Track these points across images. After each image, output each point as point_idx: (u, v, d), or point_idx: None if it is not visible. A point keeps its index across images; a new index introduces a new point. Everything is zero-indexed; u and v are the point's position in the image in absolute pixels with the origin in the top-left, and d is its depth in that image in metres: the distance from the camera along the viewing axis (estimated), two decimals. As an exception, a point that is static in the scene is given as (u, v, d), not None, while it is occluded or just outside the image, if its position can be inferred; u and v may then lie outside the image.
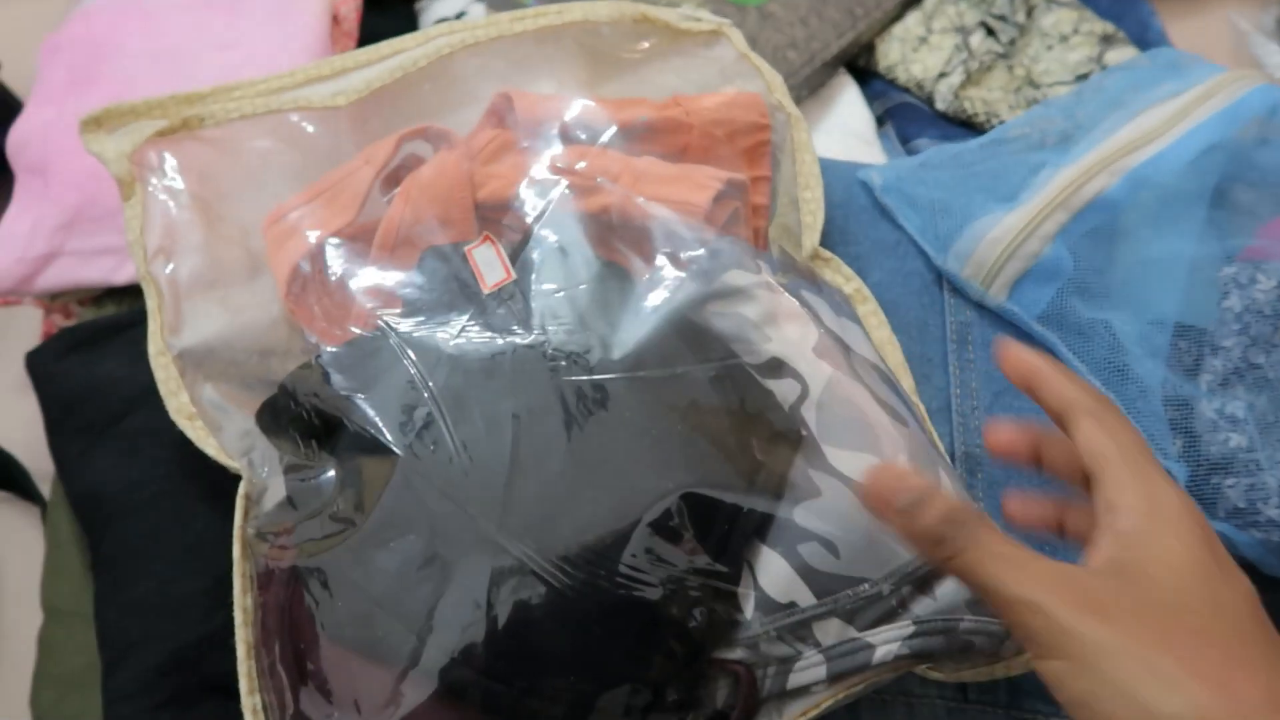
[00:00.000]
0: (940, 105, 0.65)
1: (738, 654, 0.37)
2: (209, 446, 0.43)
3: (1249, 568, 0.44)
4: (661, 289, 0.42)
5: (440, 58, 0.51)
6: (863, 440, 0.38)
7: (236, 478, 0.42)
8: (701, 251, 0.42)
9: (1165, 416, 0.45)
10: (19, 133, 0.61)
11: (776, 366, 0.39)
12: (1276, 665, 0.27)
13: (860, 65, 0.69)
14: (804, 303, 0.42)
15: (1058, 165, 0.49)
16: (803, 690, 0.37)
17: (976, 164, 0.53)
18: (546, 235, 0.43)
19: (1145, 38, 0.69)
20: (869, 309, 0.47)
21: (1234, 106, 0.49)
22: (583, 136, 0.47)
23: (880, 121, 0.67)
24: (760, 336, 0.40)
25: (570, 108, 0.48)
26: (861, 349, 0.43)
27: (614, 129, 0.47)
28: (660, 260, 0.42)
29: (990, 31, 0.67)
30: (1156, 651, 0.26)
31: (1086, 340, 0.47)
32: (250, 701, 0.38)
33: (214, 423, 0.44)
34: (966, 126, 0.65)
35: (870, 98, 0.68)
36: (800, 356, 0.40)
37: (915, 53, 0.67)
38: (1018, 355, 0.34)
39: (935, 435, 0.43)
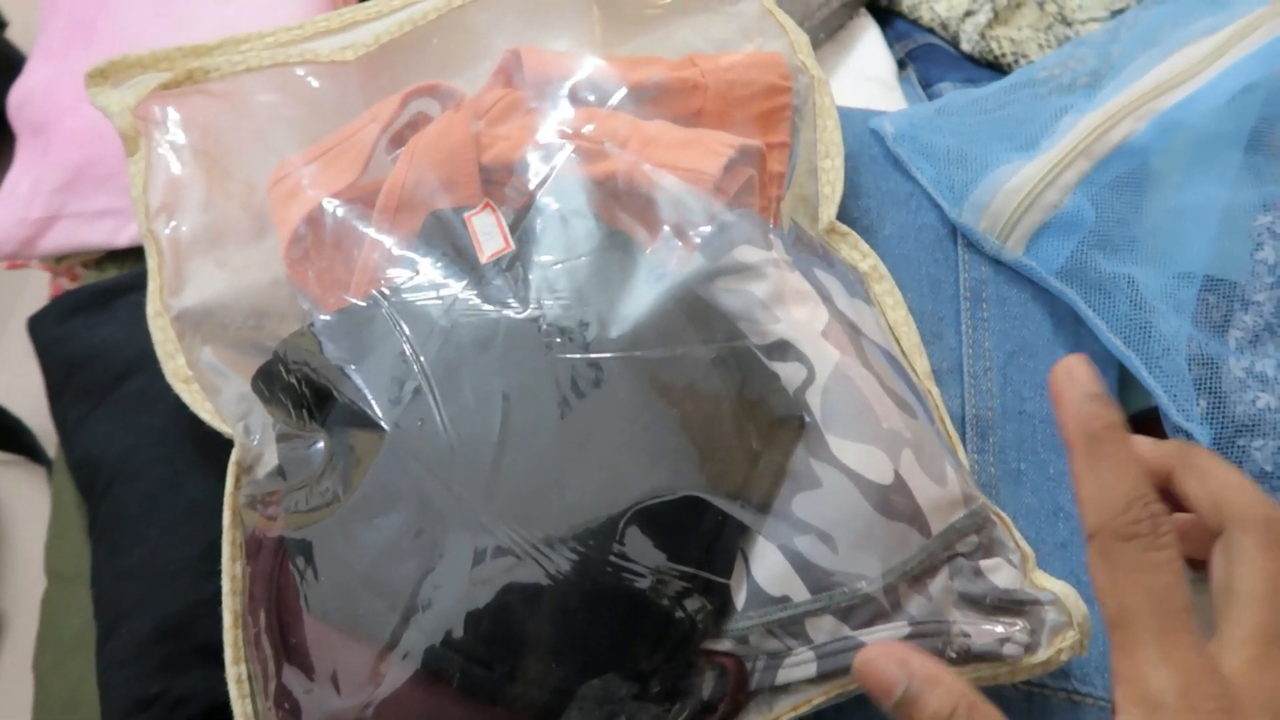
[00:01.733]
0: (966, 46, 0.62)
1: (726, 646, 0.36)
2: (204, 411, 0.42)
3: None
4: (666, 263, 0.40)
5: (451, 10, 0.49)
6: (868, 431, 0.36)
7: (231, 446, 0.42)
8: (710, 225, 0.40)
9: (1190, 376, 0.42)
10: (20, 91, 0.61)
11: (783, 348, 0.38)
12: None
13: (882, 4, 0.66)
14: (815, 282, 0.40)
15: (1082, 110, 0.46)
16: (793, 686, 0.36)
17: (997, 109, 0.50)
18: (549, 203, 0.41)
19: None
20: (884, 288, 0.44)
21: (1275, 43, 0.46)
22: (592, 98, 0.45)
23: (902, 65, 0.64)
24: (768, 316, 0.38)
25: (581, 67, 0.46)
26: (873, 332, 0.41)
27: (624, 90, 0.44)
28: (666, 232, 0.40)
29: None
30: None
31: (1108, 297, 0.44)
32: (235, 671, 0.38)
33: (211, 386, 0.43)
34: (993, 69, 0.62)
35: (891, 40, 0.65)
36: (808, 339, 0.38)
37: None
38: (1152, 448, 0.30)
39: (949, 424, 0.41)
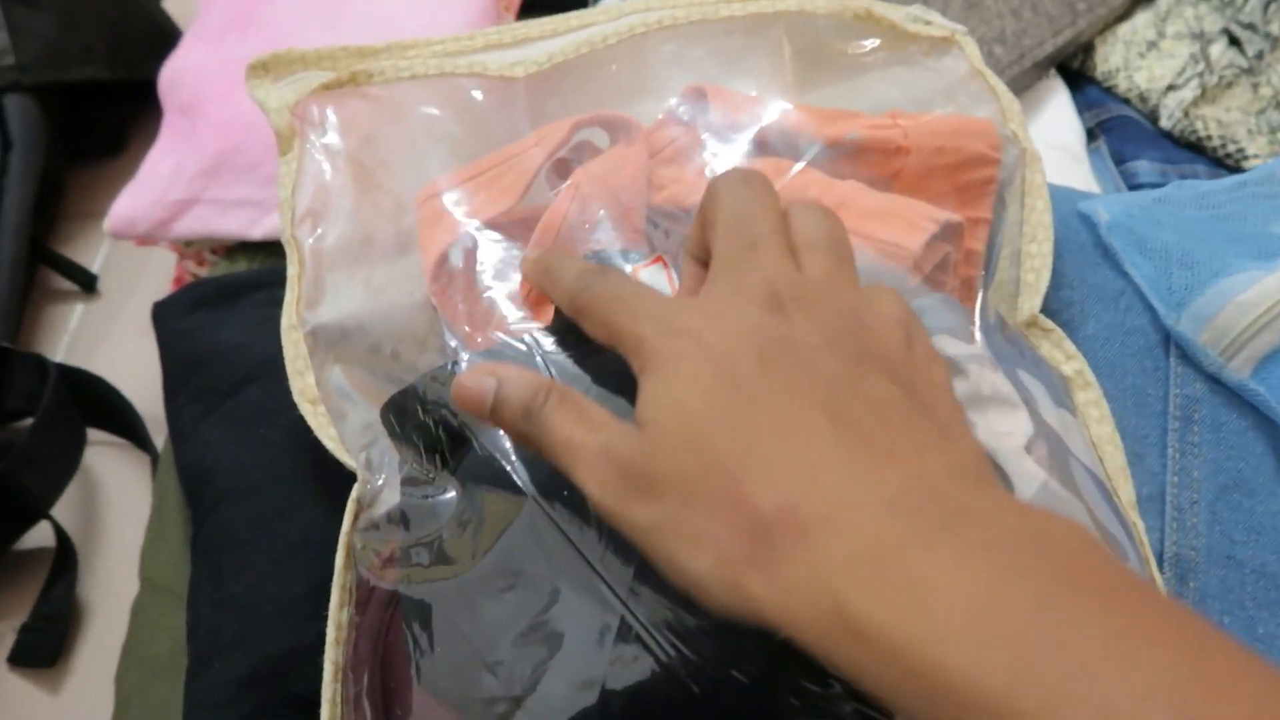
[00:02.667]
0: (1165, 123, 0.57)
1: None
2: (328, 438, 0.39)
3: None
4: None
5: (632, 36, 0.46)
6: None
7: (350, 478, 0.39)
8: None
9: None
10: (172, 69, 0.60)
11: (979, 461, 0.33)
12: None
13: (1075, 68, 0.61)
14: (1020, 387, 0.35)
15: None
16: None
17: (1228, 206, 0.45)
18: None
19: None
20: (1090, 397, 0.39)
21: None
22: (781, 148, 0.41)
23: (1091, 136, 0.60)
24: (964, 422, 0.34)
25: (770, 112, 0.42)
26: (1079, 451, 0.36)
27: (818, 144, 0.40)
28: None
29: (1234, 41, 0.59)
30: (676, 510, 0.25)
31: None
32: (331, 732, 0.35)
33: (338, 410, 0.40)
34: (1195, 150, 0.57)
35: (1082, 107, 0.60)
36: (1010, 453, 0.33)
37: (1142, 59, 0.59)
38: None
39: (1154, 566, 0.36)
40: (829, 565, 0.23)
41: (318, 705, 0.35)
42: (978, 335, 0.35)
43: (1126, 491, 0.38)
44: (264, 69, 0.46)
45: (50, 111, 0.67)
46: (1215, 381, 0.42)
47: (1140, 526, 0.37)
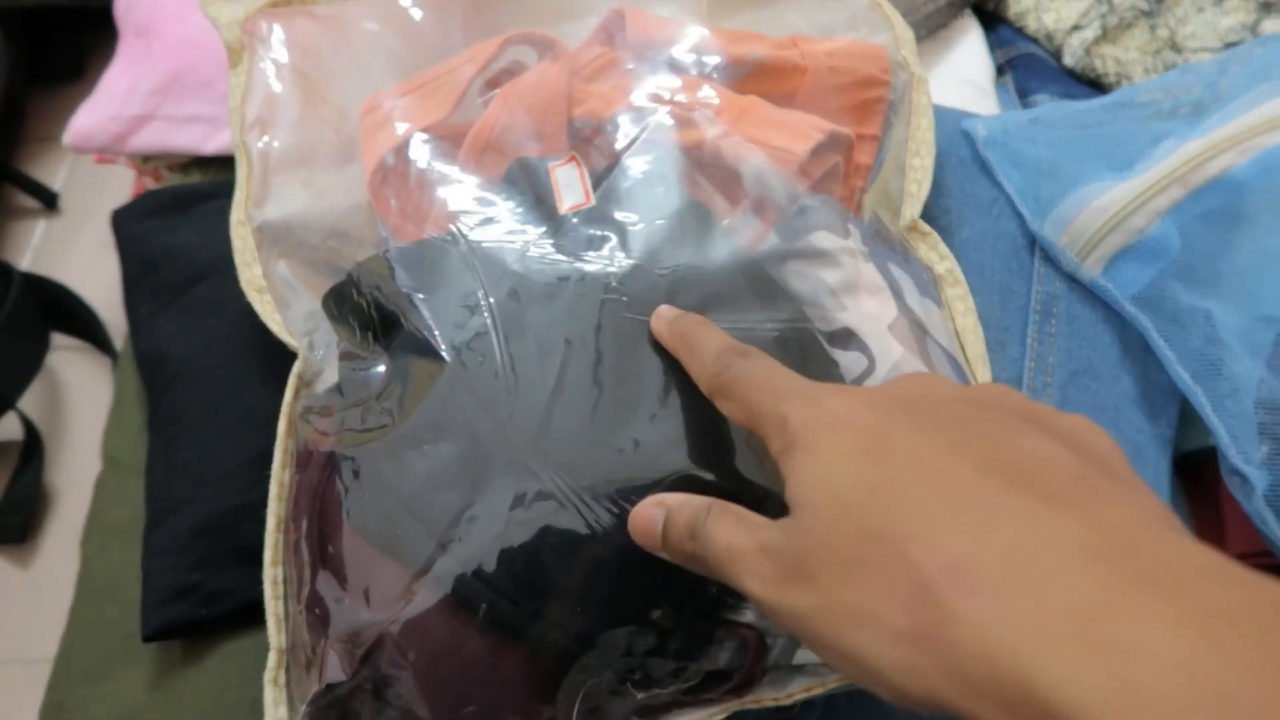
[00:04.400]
0: (1069, 60, 0.61)
1: (749, 618, 0.36)
2: (273, 322, 0.43)
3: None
4: (742, 237, 0.40)
5: (562, -38, 0.50)
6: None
7: (293, 357, 0.43)
8: (791, 205, 0.40)
9: (1255, 419, 0.41)
10: None
11: (846, 337, 0.38)
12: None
13: (989, 9, 0.65)
14: (888, 276, 0.40)
15: (1183, 137, 0.45)
16: (809, 667, 0.36)
17: (1095, 126, 0.50)
18: (634, 164, 0.42)
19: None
20: (957, 293, 0.44)
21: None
22: (691, 66, 0.45)
23: (1000, 72, 0.64)
24: (835, 304, 0.38)
25: (684, 34, 0.46)
26: (939, 334, 0.40)
27: (724, 61, 0.45)
28: (745, 206, 0.41)
29: None
30: (833, 589, 0.23)
31: (1181, 329, 0.43)
32: (272, 572, 0.39)
33: (282, 299, 0.44)
34: (1093, 86, 0.61)
35: (993, 45, 0.65)
36: (873, 332, 0.38)
37: (1051, 1, 0.62)
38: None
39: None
40: (1012, 629, 0.19)
41: (259, 555, 0.40)
42: (852, 230, 0.40)
43: (984, 374, 0.42)
44: (216, -14, 0.49)
45: (11, 37, 0.69)
46: (1072, 280, 0.46)
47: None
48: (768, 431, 0.27)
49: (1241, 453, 0.41)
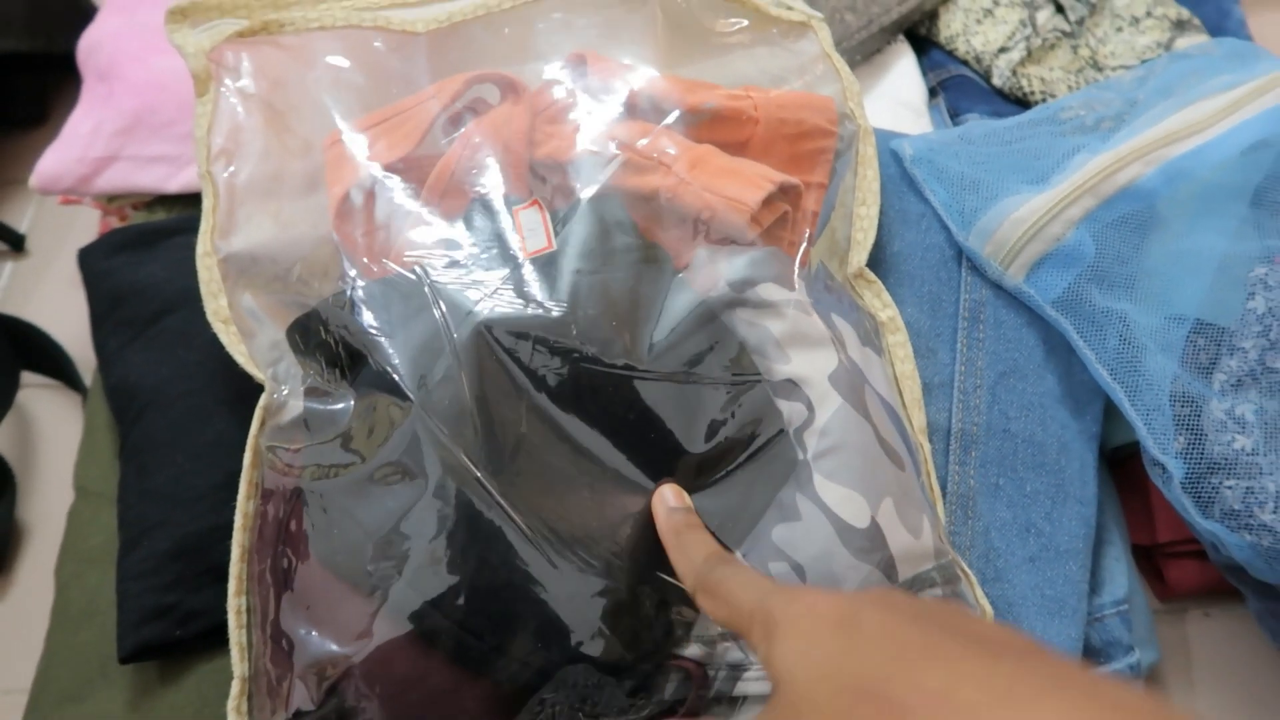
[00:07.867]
0: (997, 81, 0.64)
1: (692, 650, 0.38)
2: (238, 353, 0.44)
3: (1238, 571, 0.45)
4: (696, 284, 0.42)
5: (525, 3, 0.51)
6: (852, 477, 0.38)
7: (259, 388, 0.44)
8: (742, 256, 0.42)
9: (1171, 413, 0.45)
10: (90, 38, 0.63)
11: (789, 388, 0.40)
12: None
13: (921, 34, 0.68)
14: (832, 327, 0.42)
15: (1095, 150, 0.48)
16: (756, 699, 0.39)
17: (1015, 141, 0.53)
18: (592, 209, 0.43)
19: (1224, 26, 0.67)
20: (898, 340, 0.47)
21: (1290, 104, 0.48)
22: (649, 112, 0.47)
23: (933, 93, 0.66)
24: (779, 355, 0.40)
25: (640, 79, 0.48)
26: (878, 382, 0.43)
27: (680, 110, 0.46)
28: (699, 256, 0.43)
29: (1060, 8, 0.66)
30: None
31: (1099, 330, 0.47)
32: (236, 602, 0.40)
33: (247, 330, 0.45)
34: (1021, 105, 0.64)
35: (926, 68, 0.67)
36: (814, 382, 0.40)
37: (979, 24, 0.65)
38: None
39: (934, 480, 0.44)
40: None
41: (229, 578, 0.41)
42: (798, 283, 0.42)
43: (919, 419, 0.45)
44: (182, 15, 0.49)
45: (-28, 82, 0.69)
46: (998, 287, 0.50)
47: (927, 449, 0.45)
48: (750, 624, 0.29)
49: (1159, 444, 0.44)
